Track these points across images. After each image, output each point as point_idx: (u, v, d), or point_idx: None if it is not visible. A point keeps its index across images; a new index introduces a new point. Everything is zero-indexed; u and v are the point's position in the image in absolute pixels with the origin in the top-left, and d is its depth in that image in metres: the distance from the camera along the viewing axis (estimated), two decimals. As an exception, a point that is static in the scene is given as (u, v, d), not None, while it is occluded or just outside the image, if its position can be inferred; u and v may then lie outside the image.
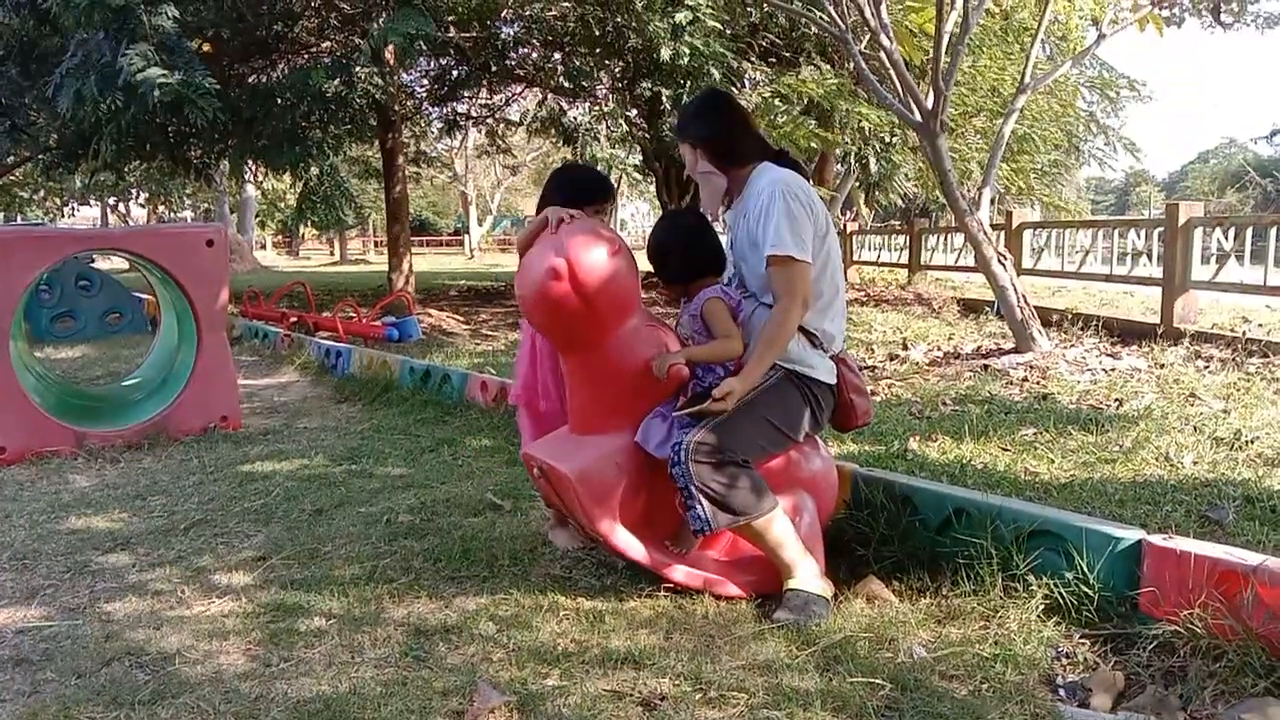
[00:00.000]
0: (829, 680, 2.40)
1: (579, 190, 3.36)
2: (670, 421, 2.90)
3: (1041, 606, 2.66)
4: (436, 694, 2.39)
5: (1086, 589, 2.61)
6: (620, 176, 12.83)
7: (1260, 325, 7.90)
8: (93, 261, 13.10)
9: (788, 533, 2.86)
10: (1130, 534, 2.62)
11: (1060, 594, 2.64)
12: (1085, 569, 2.63)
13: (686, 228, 3.19)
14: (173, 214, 38.67)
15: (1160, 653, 2.40)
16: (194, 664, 2.64)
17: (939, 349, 8.13)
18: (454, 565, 3.31)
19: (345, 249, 43.90)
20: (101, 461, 5.16)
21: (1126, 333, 8.35)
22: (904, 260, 15.13)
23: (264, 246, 47.56)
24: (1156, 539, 2.57)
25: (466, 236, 46.31)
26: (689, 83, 9.70)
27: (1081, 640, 2.54)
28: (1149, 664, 2.39)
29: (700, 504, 2.74)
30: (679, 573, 2.96)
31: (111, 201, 36.94)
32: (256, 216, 39.16)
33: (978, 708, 2.22)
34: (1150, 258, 9.32)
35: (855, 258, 16.47)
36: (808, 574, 2.86)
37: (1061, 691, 2.35)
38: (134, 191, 33.68)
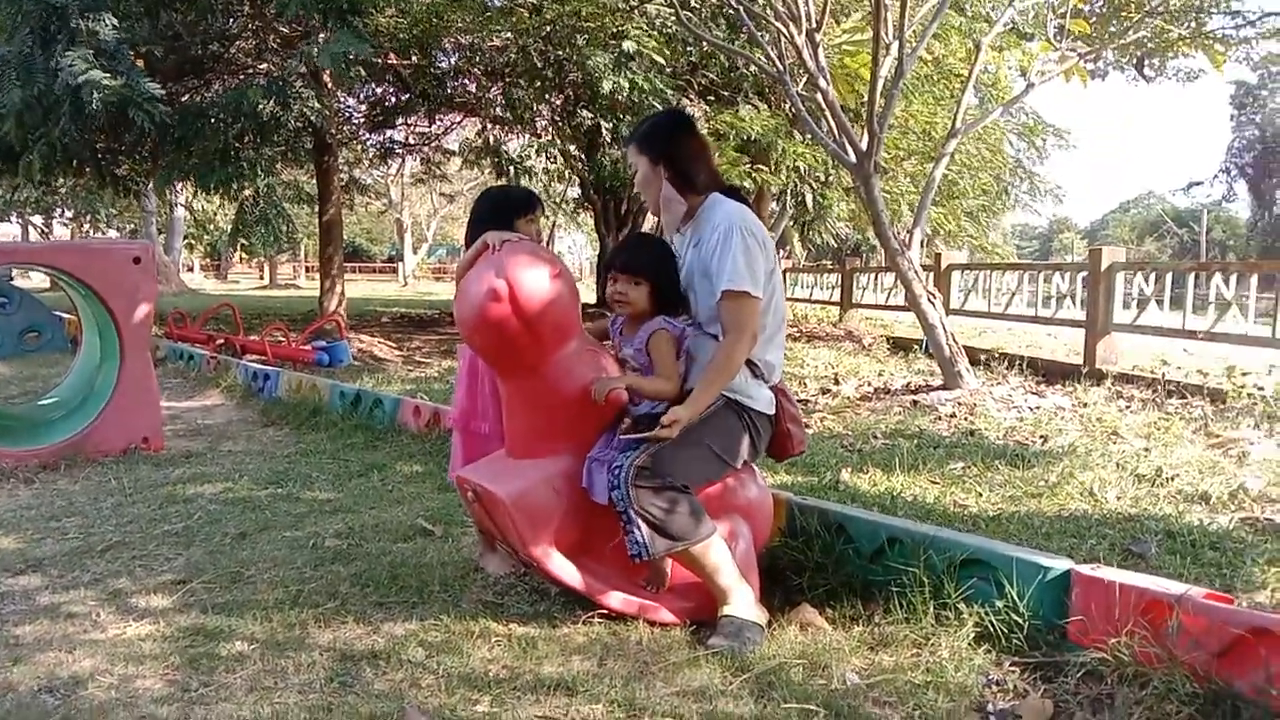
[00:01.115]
0: (763, 706, 2.38)
1: (509, 206, 3.34)
2: (609, 464, 2.86)
3: (972, 634, 2.68)
4: (363, 719, 2.32)
5: (1016, 617, 2.64)
6: (555, 207, 12.85)
7: (1179, 368, 8.15)
8: (11, 279, 12.68)
9: (724, 559, 2.86)
10: (1059, 564, 2.66)
11: (991, 622, 2.67)
12: (1015, 598, 2.66)
13: (655, 245, 3.13)
14: (99, 233, 37.71)
15: (1088, 680, 2.43)
16: (108, 689, 2.53)
17: (869, 384, 8.23)
18: (382, 590, 3.23)
19: (275, 273, 43.22)
20: (14, 482, 4.96)
21: (1050, 373, 8.55)
22: (836, 298, 15.34)
23: (191, 269, 46.58)
24: (1085, 569, 2.61)
25: (400, 264, 45.91)
26: (628, 116, 9.78)
27: (1011, 668, 2.56)
28: (1077, 691, 2.41)
29: (639, 528, 2.72)
30: (614, 599, 2.93)
31: (36, 220, 35.93)
32: (184, 238, 38.37)
33: (910, 734, 2.22)
34: (1074, 301, 9.57)
35: (789, 295, 16.67)
36: (742, 601, 2.86)
37: (992, 718, 2.36)
38: (58, 209, 32.80)
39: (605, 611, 2.93)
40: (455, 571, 3.40)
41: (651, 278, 2.99)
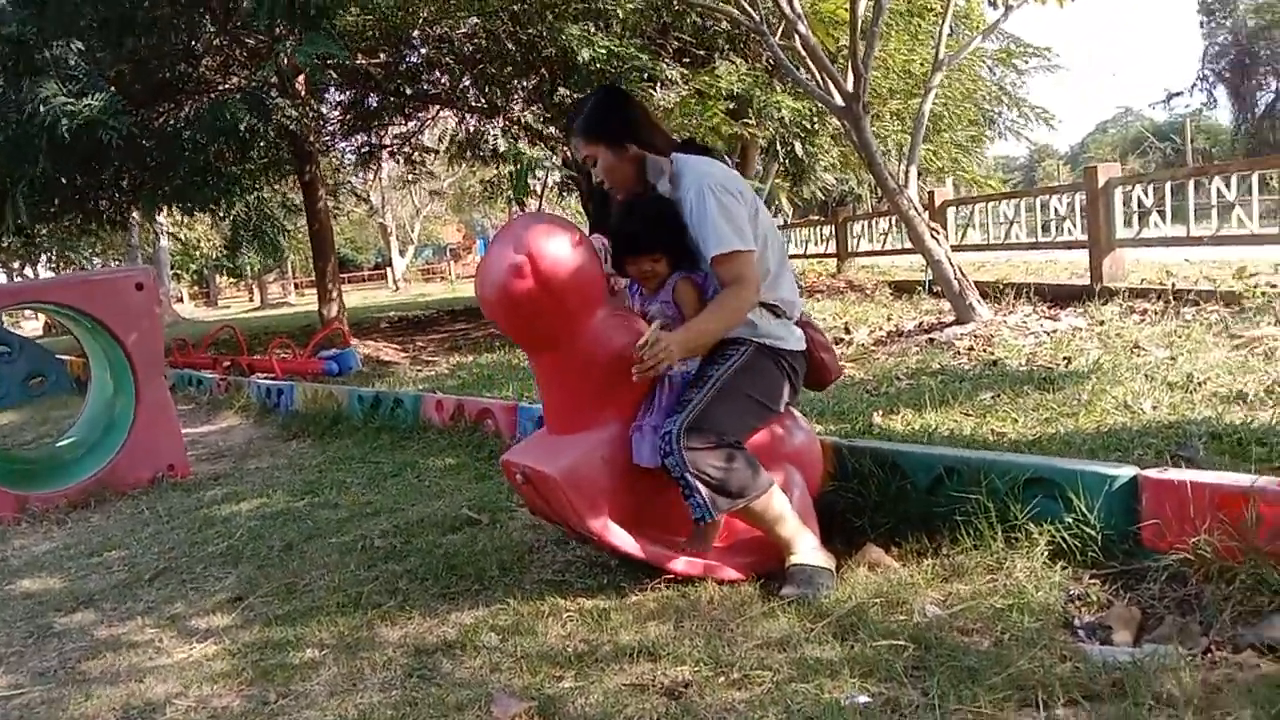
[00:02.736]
0: (850, 648, 2.36)
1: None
2: (657, 429, 2.81)
3: (1046, 553, 2.65)
4: (451, 709, 2.30)
5: (1088, 530, 2.61)
6: (547, 181, 12.70)
7: (1185, 277, 8.12)
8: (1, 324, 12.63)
9: (784, 508, 2.83)
10: (1125, 471, 2.63)
11: (1063, 538, 2.64)
12: (1085, 510, 2.63)
13: (658, 213, 2.98)
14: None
15: (1172, 583, 2.41)
16: (185, 712, 2.51)
17: (881, 329, 8.20)
18: (442, 583, 3.21)
19: (266, 294, 43.04)
20: (47, 524, 4.94)
21: (1059, 296, 8.51)
22: (831, 250, 15.29)
23: (181, 299, 46.39)
24: (1152, 472, 2.58)
25: (389, 270, 45.72)
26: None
27: (1091, 581, 2.54)
28: (1162, 595, 2.39)
29: (698, 492, 2.69)
30: (679, 563, 2.89)
31: (16, 266, 35.74)
32: (171, 269, 38.19)
33: (1004, 657, 2.19)
34: (1075, 223, 9.52)
35: (783, 253, 16.56)
36: (808, 547, 2.83)
37: (1080, 632, 2.33)
38: (40, 255, 32.55)
39: (670, 576, 2.90)
40: (511, 555, 3.37)
41: (666, 250, 2.95)
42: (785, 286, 3.02)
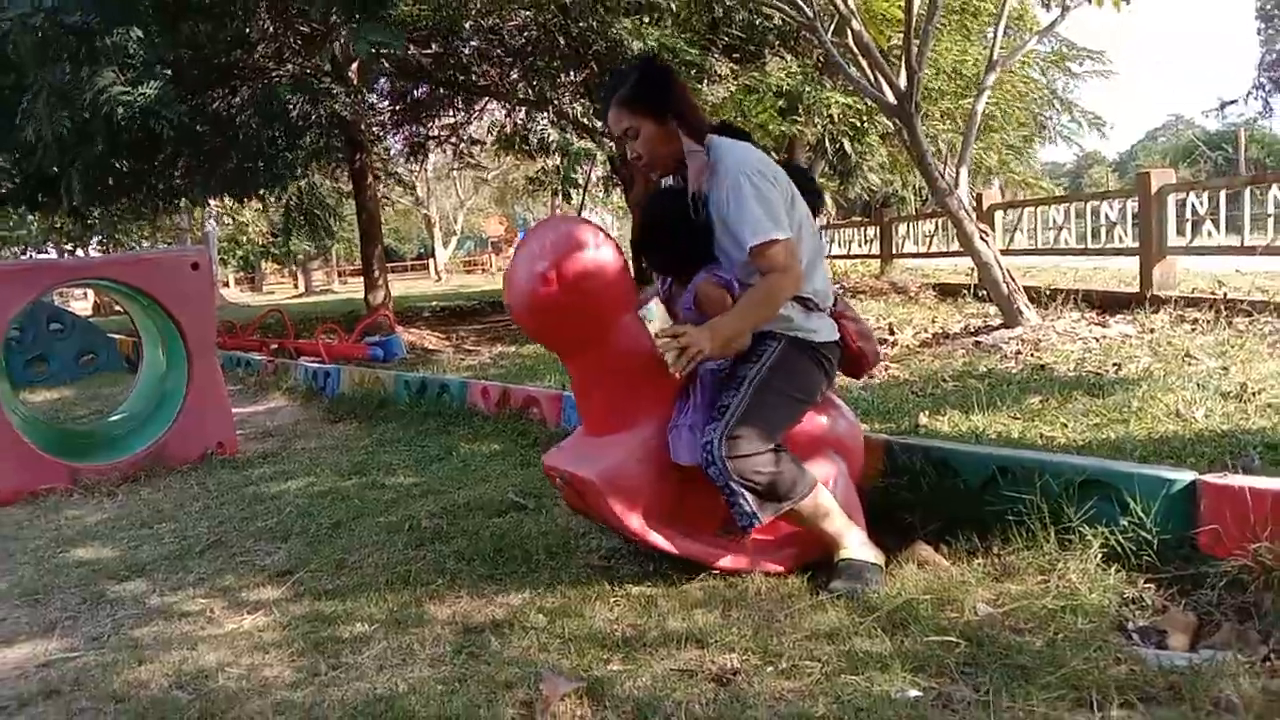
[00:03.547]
0: (900, 642, 2.35)
1: None
2: (695, 428, 2.80)
3: (1100, 556, 2.62)
4: (500, 686, 2.32)
5: (1144, 534, 2.58)
6: (591, 175, 12.69)
7: (1236, 288, 7.98)
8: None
9: (829, 505, 2.81)
10: (1184, 475, 2.60)
11: (1118, 541, 2.61)
12: (1141, 514, 2.60)
13: (679, 214, 2.92)
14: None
15: (1230, 590, 2.38)
16: (238, 679, 2.55)
17: (926, 331, 8.13)
18: (489, 564, 3.23)
19: (310, 281, 43.49)
20: (99, 495, 5.02)
21: (1107, 303, 8.39)
22: (875, 251, 15.19)
23: (226, 284, 47.02)
24: (1212, 478, 2.54)
25: (431, 260, 46.03)
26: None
27: (1146, 585, 2.51)
28: (1220, 602, 2.36)
29: (744, 498, 2.67)
30: (725, 559, 2.89)
31: (69, 248, 36.42)
32: (218, 254, 38.73)
33: (1057, 657, 2.17)
34: (1126, 230, 9.38)
35: (827, 253, 16.50)
36: (856, 542, 2.82)
37: (1135, 636, 2.31)
38: (90, 237, 33.13)
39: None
40: (557, 540, 3.39)
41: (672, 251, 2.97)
42: (818, 278, 2.96)
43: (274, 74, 11.92)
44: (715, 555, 2.90)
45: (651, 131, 2.88)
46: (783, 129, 9.91)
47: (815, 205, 3.13)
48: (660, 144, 2.89)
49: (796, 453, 2.83)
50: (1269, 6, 46.64)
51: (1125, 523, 2.63)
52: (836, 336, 3.00)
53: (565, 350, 2.91)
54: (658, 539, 2.83)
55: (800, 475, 2.74)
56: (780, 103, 9.95)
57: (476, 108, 15.55)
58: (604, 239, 2.72)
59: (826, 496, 2.82)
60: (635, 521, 2.79)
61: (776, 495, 2.69)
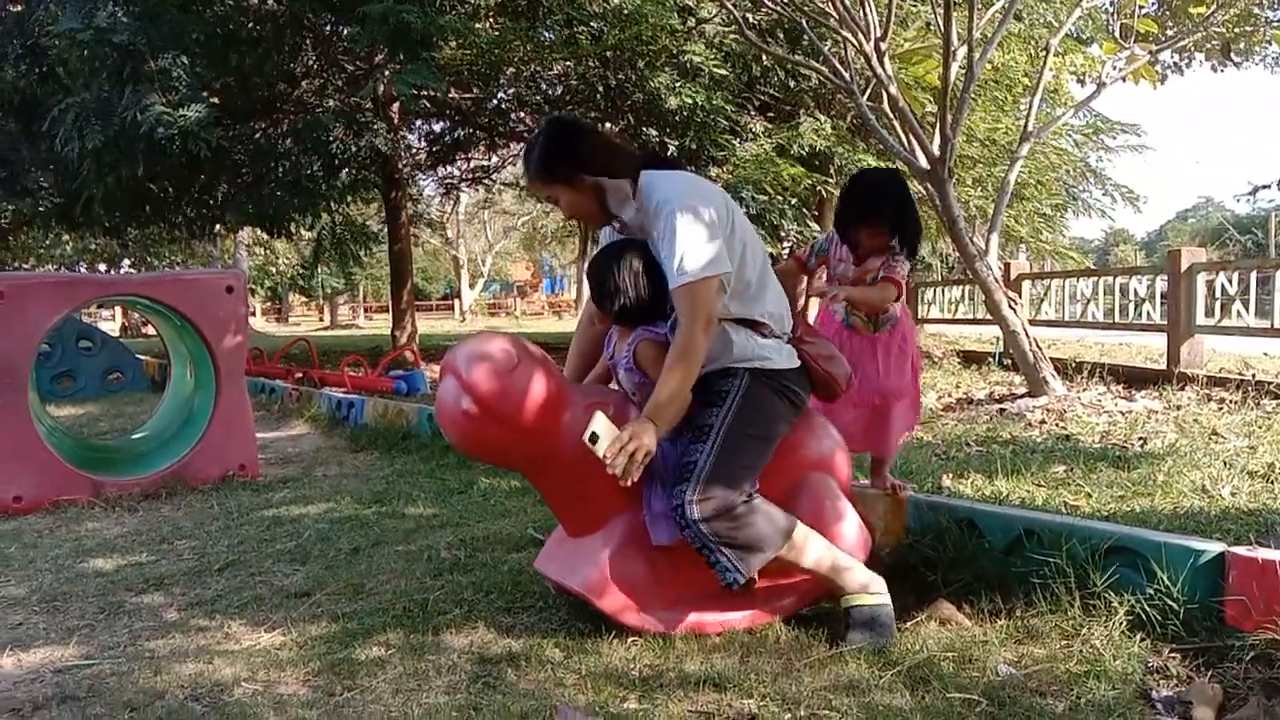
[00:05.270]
0: (920, 698, 2.33)
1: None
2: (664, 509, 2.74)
3: (1125, 623, 2.60)
4: (515, 717, 2.31)
5: (1170, 603, 2.56)
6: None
7: (1265, 370, 7.94)
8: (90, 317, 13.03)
9: (819, 546, 2.76)
10: (1212, 547, 2.58)
11: (1143, 609, 2.59)
12: (1168, 583, 2.58)
13: (633, 268, 2.79)
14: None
15: (1257, 664, 2.35)
16: (253, 695, 2.55)
17: (950, 396, 8.12)
18: (507, 597, 3.23)
19: (336, 314, 43.85)
20: (120, 510, 5.05)
21: (1133, 378, 8.35)
22: (901, 315, 15.18)
23: (254, 314, 47.49)
24: (1241, 550, 2.53)
25: (457, 300, 46.37)
26: (693, 134, 9.80)
27: (1171, 654, 2.48)
28: (1246, 676, 2.33)
29: (724, 556, 2.63)
30: (735, 616, 2.87)
31: (101, 268, 36.95)
32: (247, 284, 39.17)
33: (1080, 721, 2.15)
34: (1154, 307, 9.36)
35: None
36: (855, 581, 2.76)
37: (1159, 705, 2.28)
38: (123, 258, 33.59)
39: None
40: (575, 578, 3.38)
41: (613, 308, 2.84)
42: (770, 299, 2.86)
43: (316, 109, 12.15)
44: (707, 626, 2.85)
45: (568, 195, 2.81)
46: (809, 182, 9.98)
47: (914, 244, 3.23)
48: (585, 203, 2.81)
49: (778, 479, 2.80)
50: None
51: (1151, 591, 2.61)
52: (797, 363, 2.90)
53: (519, 467, 2.89)
54: (654, 628, 2.80)
55: (777, 522, 2.69)
56: (799, 168, 10.02)
57: (510, 152, 15.76)
58: (517, 352, 2.61)
59: (814, 540, 2.77)
60: (632, 618, 2.78)
61: (757, 547, 2.64)
